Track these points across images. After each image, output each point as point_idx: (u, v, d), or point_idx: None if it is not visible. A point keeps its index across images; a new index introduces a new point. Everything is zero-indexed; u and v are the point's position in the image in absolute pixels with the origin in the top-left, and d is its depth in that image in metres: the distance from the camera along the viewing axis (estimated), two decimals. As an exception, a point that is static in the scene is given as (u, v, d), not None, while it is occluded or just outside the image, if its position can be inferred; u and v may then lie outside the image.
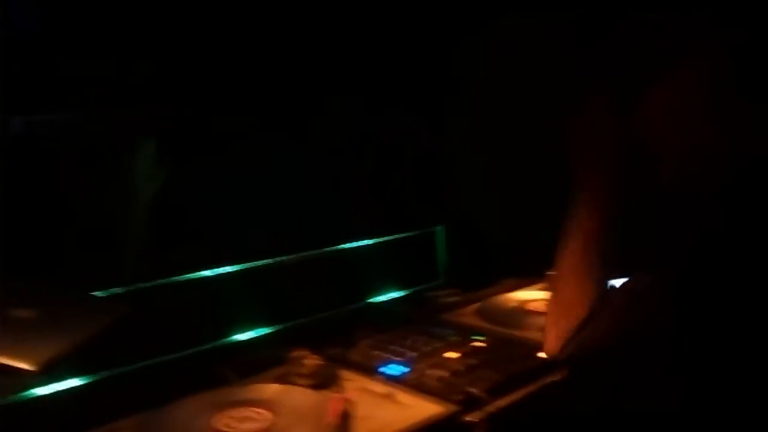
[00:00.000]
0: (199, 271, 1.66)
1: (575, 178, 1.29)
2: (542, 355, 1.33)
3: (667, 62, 1.23)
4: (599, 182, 1.25)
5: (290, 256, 1.82)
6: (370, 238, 2.01)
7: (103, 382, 1.46)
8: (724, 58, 1.19)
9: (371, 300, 2.00)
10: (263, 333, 1.75)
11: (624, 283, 1.25)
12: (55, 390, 1.40)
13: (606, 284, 1.24)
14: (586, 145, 1.29)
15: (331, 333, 1.67)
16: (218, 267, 1.69)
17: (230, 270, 1.71)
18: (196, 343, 1.64)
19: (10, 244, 1.42)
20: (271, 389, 1.33)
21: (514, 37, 2.05)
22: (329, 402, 1.27)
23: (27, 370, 1.11)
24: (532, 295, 1.90)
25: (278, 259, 1.80)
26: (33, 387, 1.37)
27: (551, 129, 1.35)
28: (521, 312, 1.80)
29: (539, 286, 1.97)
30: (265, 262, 1.77)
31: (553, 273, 1.93)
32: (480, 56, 2.10)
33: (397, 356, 1.52)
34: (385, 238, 2.07)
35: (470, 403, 1.32)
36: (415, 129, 2.12)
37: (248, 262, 1.75)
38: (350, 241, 1.96)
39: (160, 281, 1.59)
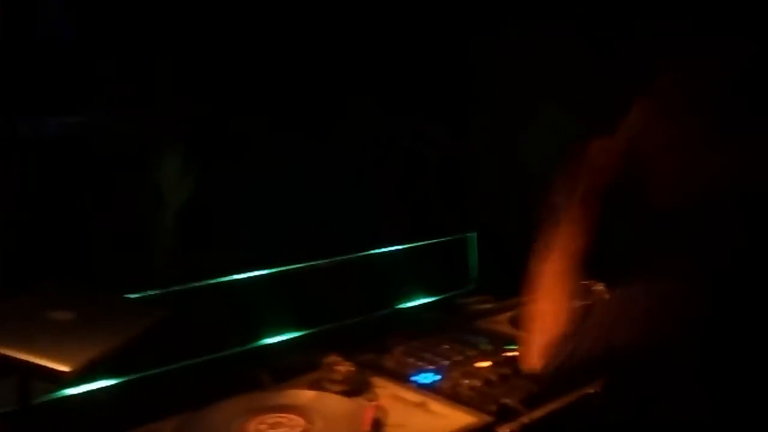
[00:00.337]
0: (230, 275, 1.67)
1: (556, 200, 1.32)
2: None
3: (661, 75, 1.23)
4: (582, 208, 1.28)
5: (320, 261, 1.82)
6: (399, 244, 2.01)
7: (137, 384, 1.47)
8: (708, 76, 1.18)
9: (401, 306, 1.99)
10: (293, 337, 1.76)
11: (609, 298, 1.26)
12: (90, 390, 1.41)
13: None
14: (572, 172, 1.32)
15: (362, 339, 1.66)
16: (249, 271, 1.70)
17: (260, 274, 1.72)
18: (228, 346, 1.65)
19: (40, 245, 1.44)
20: (304, 395, 1.33)
21: (534, 40, 2.05)
22: (362, 409, 1.26)
23: (63, 372, 1.11)
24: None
25: (308, 263, 1.80)
26: (68, 387, 1.38)
27: (574, 129, 1.37)
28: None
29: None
30: (295, 266, 1.78)
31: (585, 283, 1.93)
32: (500, 60, 2.10)
33: (429, 364, 1.51)
34: (415, 244, 2.06)
35: (504, 414, 1.31)
36: (437, 135, 2.11)
37: (278, 266, 1.76)
38: (378, 247, 1.96)
39: (192, 285, 1.61)
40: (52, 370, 1.10)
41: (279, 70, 1.78)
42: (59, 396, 1.39)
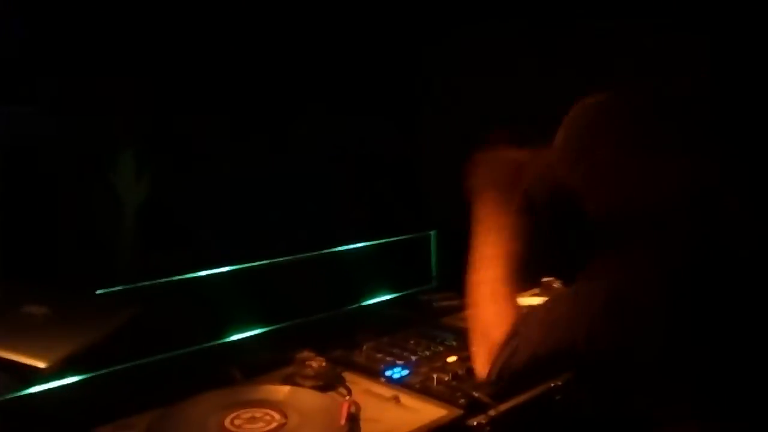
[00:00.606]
0: (196, 272, 1.68)
1: (477, 209, 1.38)
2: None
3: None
4: (515, 215, 1.35)
5: (282, 258, 1.84)
6: (359, 242, 2.04)
7: (106, 380, 1.47)
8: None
9: (365, 302, 2.02)
10: (260, 333, 1.77)
11: (567, 294, 1.32)
12: (59, 386, 1.40)
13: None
14: (484, 179, 1.40)
15: (329, 335, 1.68)
16: (213, 268, 1.70)
17: (225, 270, 1.73)
18: (196, 342, 1.65)
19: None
20: (279, 390, 1.34)
21: (482, 41, 2.10)
22: (337, 404, 1.28)
23: (39, 368, 1.11)
24: (527, 300, 1.93)
25: (271, 260, 1.82)
26: (43, 383, 1.37)
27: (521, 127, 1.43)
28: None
29: (534, 291, 2.00)
30: (257, 263, 1.79)
31: (546, 281, 1.99)
32: (450, 61, 2.15)
33: (398, 359, 1.54)
34: (377, 242, 2.09)
35: (474, 407, 1.34)
36: (390, 136, 2.14)
37: (241, 263, 1.77)
38: (338, 245, 1.99)
39: (159, 281, 1.61)
40: (29, 366, 1.09)
41: (236, 74, 1.79)
42: (27, 393, 1.37)
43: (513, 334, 1.27)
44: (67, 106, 1.55)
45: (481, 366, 1.31)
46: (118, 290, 1.50)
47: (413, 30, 2.10)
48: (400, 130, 2.16)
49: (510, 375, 1.28)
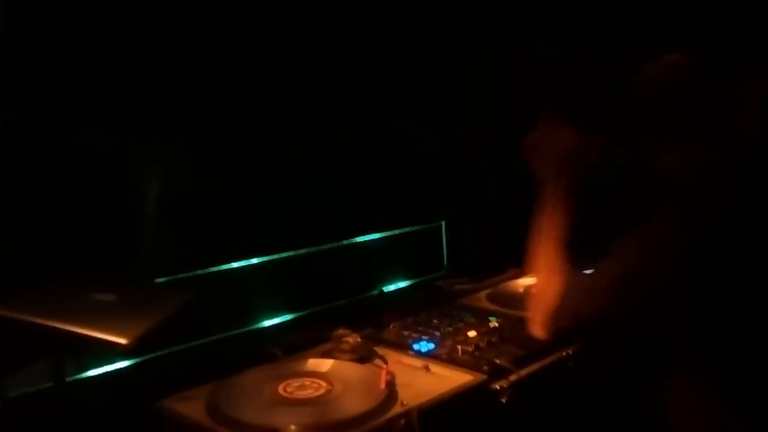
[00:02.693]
0: (231, 263, 1.83)
1: (539, 191, 1.53)
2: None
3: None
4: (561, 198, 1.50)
5: (308, 249, 2.00)
6: (380, 232, 2.20)
7: (164, 360, 1.62)
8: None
9: (383, 289, 2.18)
10: (291, 318, 1.93)
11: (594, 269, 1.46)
12: (125, 366, 1.56)
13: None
14: (541, 162, 1.54)
15: (356, 318, 1.83)
16: (245, 260, 1.86)
17: (257, 262, 1.89)
18: (236, 326, 1.81)
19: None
20: (323, 363, 1.50)
21: (512, 45, 2.25)
22: (376, 372, 1.44)
23: (120, 344, 1.26)
24: (528, 281, 2.09)
25: (297, 252, 1.98)
26: (120, 360, 1.53)
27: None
28: (529, 296, 1.99)
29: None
30: (285, 254, 1.95)
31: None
32: (482, 64, 2.29)
33: (424, 335, 1.70)
34: (394, 232, 2.25)
35: (496, 373, 1.51)
36: (423, 135, 2.30)
37: (270, 254, 1.92)
38: (361, 235, 2.14)
39: (202, 271, 1.76)
40: (112, 342, 1.24)
41: (274, 76, 1.93)
42: (98, 373, 1.53)
43: (565, 296, 1.41)
44: (110, 111, 1.69)
45: (537, 327, 1.46)
46: (173, 279, 1.65)
47: (447, 33, 2.23)
48: (431, 129, 2.31)
49: (568, 327, 1.43)
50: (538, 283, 1.52)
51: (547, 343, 1.51)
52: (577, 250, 1.48)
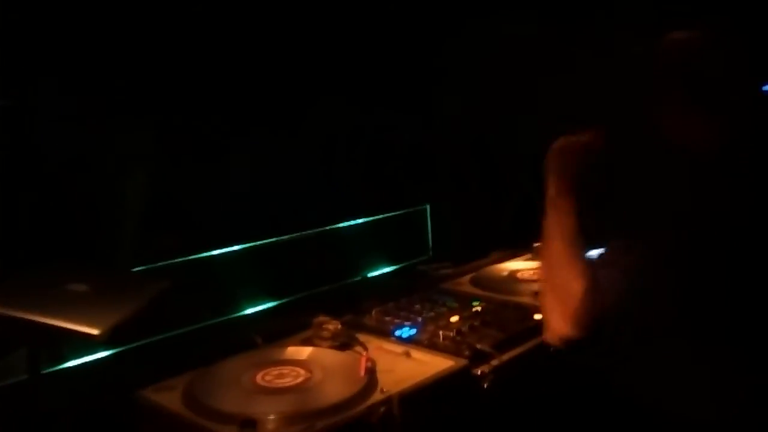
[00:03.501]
0: (209, 251, 1.81)
1: (547, 189, 1.48)
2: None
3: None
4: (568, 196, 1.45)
5: (289, 236, 1.98)
6: (363, 217, 2.18)
7: (142, 350, 1.60)
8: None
9: (368, 274, 2.16)
10: (272, 305, 1.91)
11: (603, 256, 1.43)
12: (103, 357, 1.54)
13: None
14: (553, 165, 1.49)
15: (338, 304, 1.82)
16: (224, 247, 1.83)
17: (235, 249, 1.86)
18: (215, 315, 1.79)
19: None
20: (302, 350, 1.48)
21: (493, 36, 2.23)
22: (356, 359, 1.42)
23: (92, 335, 1.24)
24: (521, 265, 2.09)
25: (279, 238, 1.95)
26: (99, 350, 1.51)
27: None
28: (512, 280, 1.99)
29: (526, 256, 2.15)
30: (265, 241, 1.93)
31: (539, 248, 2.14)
32: (463, 54, 2.27)
33: (406, 321, 1.68)
34: (377, 217, 2.23)
35: (478, 358, 1.49)
36: (404, 123, 2.28)
37: (251, 241, 1.90)
38: (343, 221, 2.12)
39: (178, 260, 1.74)
40: (85, 333, 1.22)
41: (252, 69, 1.90)
42: (75, 364, 1.51)
43: (589, 290, 1.34)
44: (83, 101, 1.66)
45: (560, 324, 1.36)
46: (150, 268, 1.62)
47: (426, 25, 2.21)
48: (412, 119, 2.28)
49: (594, 323, 1.34)
50: (557, 284, 1.40)
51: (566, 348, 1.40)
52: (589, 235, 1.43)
